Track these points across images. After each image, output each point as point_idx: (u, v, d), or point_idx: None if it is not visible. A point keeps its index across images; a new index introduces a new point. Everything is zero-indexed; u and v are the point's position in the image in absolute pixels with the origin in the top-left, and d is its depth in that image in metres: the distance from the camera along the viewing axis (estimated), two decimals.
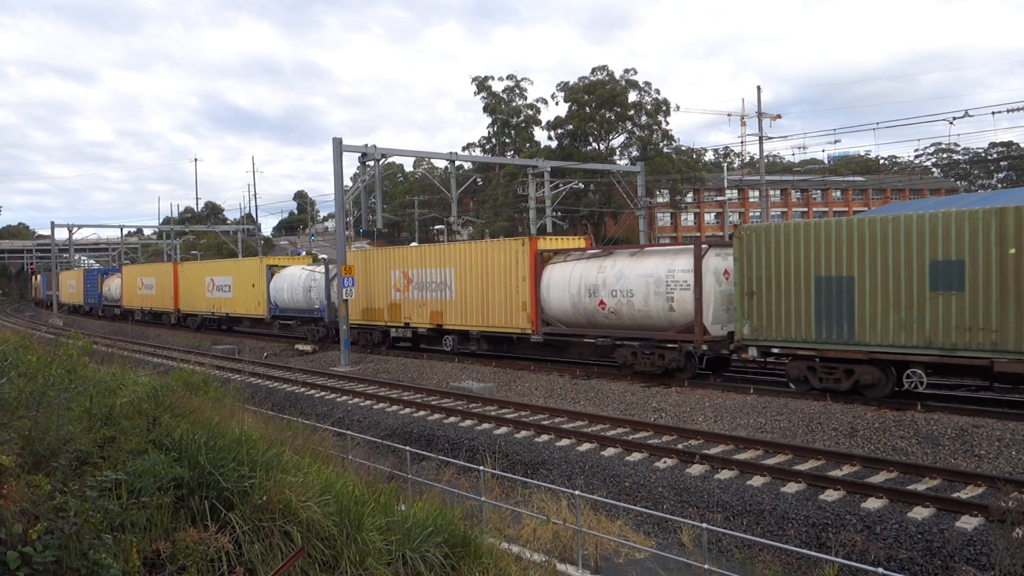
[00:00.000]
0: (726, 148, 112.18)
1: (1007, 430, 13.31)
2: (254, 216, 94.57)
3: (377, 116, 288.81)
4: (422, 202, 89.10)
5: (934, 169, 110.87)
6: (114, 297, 60.98)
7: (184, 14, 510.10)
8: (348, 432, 14.77)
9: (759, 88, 46.56)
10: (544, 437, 15.85)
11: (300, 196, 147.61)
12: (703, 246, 19.26)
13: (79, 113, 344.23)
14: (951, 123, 32.37)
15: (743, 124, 74.51)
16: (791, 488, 11.86)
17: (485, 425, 17.27)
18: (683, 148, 73.07)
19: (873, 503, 10.96)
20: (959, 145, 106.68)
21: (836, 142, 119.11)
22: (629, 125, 71.34)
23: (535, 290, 23.29)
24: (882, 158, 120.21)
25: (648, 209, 51.98)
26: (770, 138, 45.36)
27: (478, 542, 7.29)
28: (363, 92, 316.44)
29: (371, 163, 31.32)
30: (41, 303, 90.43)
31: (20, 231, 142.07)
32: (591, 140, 72.01)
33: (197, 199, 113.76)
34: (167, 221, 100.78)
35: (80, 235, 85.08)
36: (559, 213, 48.00)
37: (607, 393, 19.53)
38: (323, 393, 22.45)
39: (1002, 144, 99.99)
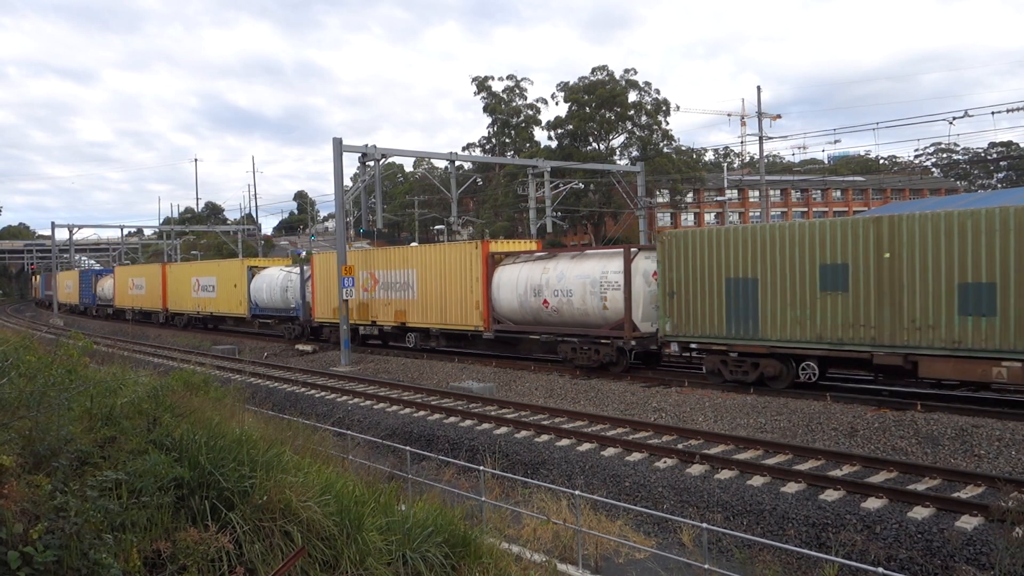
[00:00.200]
0: (726, 148, 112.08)
1: (1007, 430, 13.32)
2: (254, 216, 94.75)
3: (377, 116, 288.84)
4: (422, 202, 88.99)
5: (934, 169, 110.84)
6: (107, 297, 61.38)
7: (184, 14, 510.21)
8: (348, 432, 14.78)
9: (759, 88, 46.65)
10: (544, 437, 15.85)
11: (300, 196, 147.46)
12: (632, 250, 20.92)
13: (79, 113, 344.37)
14: (951, 123, 32.46)
15: (743, 124, 74.40)
16: (791, 488, 11.87)
17: (485, 425, 17.28)
18: (683, 148, 73.05)
19: (873, 503, 10.97)
20: (959, 145, 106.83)
21: (836, 142, 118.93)
22: (629, 125, 71.27)
23: (487, 290, 24.69)
24: (882, 158, 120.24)
25: (648, 209, 51.95)
26: (770, 138, 45.44)
27: (478, 542, 7.30)
28: (363, 92, 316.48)
29: (371, 163, 31.33)
30: (41, 303, 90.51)
31: (20, 231, 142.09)
32: (591, 140, 71.95)
33: (197, 199, 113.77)
34: (167, 221, 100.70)
35: (80, 235, 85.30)
36: (559, 213, 47.97)
37: (607, 393, 19.55)
38: (323, 393, 22.47)
39: (1002, 144, 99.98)
